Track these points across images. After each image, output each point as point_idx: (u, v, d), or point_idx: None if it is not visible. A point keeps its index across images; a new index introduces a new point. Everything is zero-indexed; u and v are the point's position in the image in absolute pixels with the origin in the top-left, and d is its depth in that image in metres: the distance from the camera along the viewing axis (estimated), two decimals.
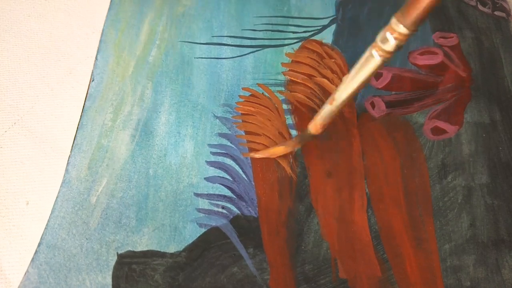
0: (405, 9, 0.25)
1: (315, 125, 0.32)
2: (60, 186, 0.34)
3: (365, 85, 0.29)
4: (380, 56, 0.27)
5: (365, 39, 0.42)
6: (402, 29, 0.25)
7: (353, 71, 0.28)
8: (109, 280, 0.31)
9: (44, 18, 0.44)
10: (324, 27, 0.43)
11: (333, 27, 0.43)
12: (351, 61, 0.41)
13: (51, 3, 0.44)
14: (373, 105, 0.38)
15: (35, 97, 0.39)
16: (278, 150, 0.35)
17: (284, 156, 0.36)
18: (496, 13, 0.44)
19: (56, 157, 0.36)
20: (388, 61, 0.27)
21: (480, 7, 0.44)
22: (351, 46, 0.42)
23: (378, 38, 0.26)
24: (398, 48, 0.26)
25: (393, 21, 0.26)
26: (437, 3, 0.24)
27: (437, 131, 0.37)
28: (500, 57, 0.41)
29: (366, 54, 0.27)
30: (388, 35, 0.26)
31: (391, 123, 0.37)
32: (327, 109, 0.30)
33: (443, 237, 0.33)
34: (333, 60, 0.40)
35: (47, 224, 0.33)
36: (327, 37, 0.42)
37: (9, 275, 0.32)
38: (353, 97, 0.38)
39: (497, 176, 0.35)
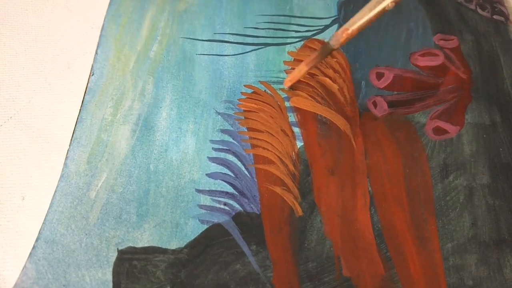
0: None
1: (343, 34, 0.33)
2: (59, 181, 0.34)
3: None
4: None
5: (366, 40, 0.42)
6: None
7: None
8: (109, 276, 0.30)
9: (42, 12, 0.43)
10: (326, 27, 0.43)
11: (335, 27, 0.43)
12: (352, 61, 0.41)
13: None
14: (375, 104, 0.38)
15: (32, 92, 0.38)
16: (301, 71, 0.37)
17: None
18: (495, 17, 0.44)
19: (53, 152, 0.35)
20: None
21: (479, 11, 0.45)
22: (353, 46, 0.42)
23: None
24: None
25: None
26: None
27: (438, 131, 0.37)
28: (500, 60, 0.41)
29: None
30: None
31: (393, 123, 0.37)
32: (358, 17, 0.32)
33: (445, 236, 0.33)
34: (335, 59, 0.41)
35: (45, 219, 0.32)
36: (329, 36, 0.42)
37: (3, 272, 0.31)
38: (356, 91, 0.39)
39: (498, 177, 0.35)
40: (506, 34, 0.43)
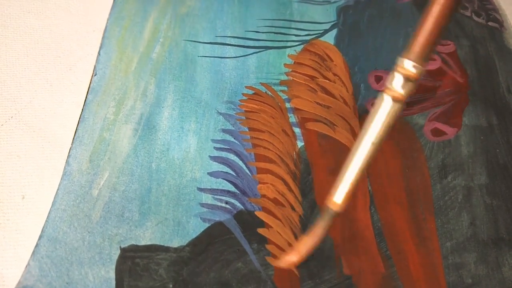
0: (409, 45, 0.24)
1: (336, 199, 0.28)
2: (61, 179, 0.34)
3: (382, 140, 0.26)
4: (392, 97, 0.25)
5: (365, 44, 0.43)
6: (410, 65, 0.24)
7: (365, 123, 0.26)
8: (112, 274, 0.30)
9: (44, 15, 0.44)
10: (326, 31, 0.43)
11: (334, 31, 0.44)
12: (351, 65, 0.41)
13: (52, 0, 0.44)
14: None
15: (34, 92, 0.39)
16: (307, 244, 0.30)
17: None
18: (489, 23, 0.45)
19: (54, 152, 0.35)
20: (402, 106, 0.25)
21: (474, 17, 0.46)
22: (352, 50, 0.42)
23: (388, 80, 0.25)
24: (410, 87, 0.24)
25: (400, 59, 0.24)
26: (440, 33, 0.23)
27: (437, 132, 0.38)
28: (495, 64, 0.42)
29: (377, 101, 0.25)
30: (397, 74, 0.24)
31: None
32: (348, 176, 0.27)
33: (444, 235, 0.33)
34: (334, 63, 0.41)
35: (47, 217, 0.32)
36: (328, 41, 0.43)
37: (3, 270, 0.31)
38: (355, 98, 0.39)
39: (496, 177, 0.36)
40: (501, 40, 0.44)
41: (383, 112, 0.25)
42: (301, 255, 0.30)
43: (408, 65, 0.24)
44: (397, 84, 0.25)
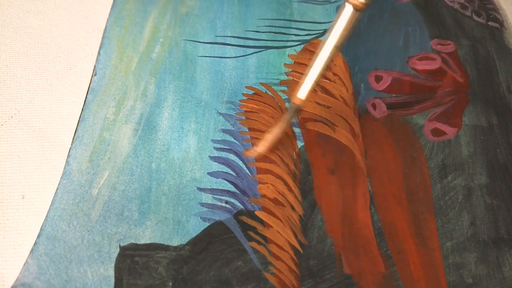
0: None
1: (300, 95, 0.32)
2: (61, 178, 0.34)
3: (342, 43, 0.30)
4: (353, 5, 0.28)
5: (365, 44, 0.43)
6: None
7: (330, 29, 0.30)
8: (111, 272, 0.30)
9: (44, 15, 0.44)
10: (326, 31, 0.43)
11: None
12: (351, 65, 0.41)
13: (51, 0, 0.44)
14: (374, 106, 0.39)
15: (34, 92, 0.39)
16: (273, 134, 0.35)
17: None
18: (490, 23, 0.45)
19: (54, 152, 0.35)
20: (361, 14, 0.29)
21: (475, 17, 0.46)
22: (352, 50, 0.42)
23: None
24: None
25: None
26: None
27: (437, 132, 0.38)
28: (495, 64, 0.42)
29: (340, 9, 0.29)
30: None
31: (392, 124, 0.38)
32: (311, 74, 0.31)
33: (444, 235, 0.33)
34: (335, 63, 0.41)
35: (46, 216, 0.32)
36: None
37: (3, 270, 0.30)
38: (353, 94, 0.40)
39: (496, 177, 0.36)
40: (501, 40, 0.44)
41: (344, 19, 0.29)
42: (268, 143, 0.35)
43: None
44: None
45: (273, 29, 0.43)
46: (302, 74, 0.40)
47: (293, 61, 0.41)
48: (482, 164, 0.37)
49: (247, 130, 0.37)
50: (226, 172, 0.35)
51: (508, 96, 0.41)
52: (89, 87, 0.38)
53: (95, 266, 0.30)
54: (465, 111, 0.39)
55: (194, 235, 0.32)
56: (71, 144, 0.35)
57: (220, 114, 0.38)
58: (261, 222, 0.33)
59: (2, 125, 0.37)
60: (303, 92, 0.32)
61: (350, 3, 0.29)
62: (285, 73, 0.40)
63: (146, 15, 0.43)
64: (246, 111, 0.38)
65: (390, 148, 0.37)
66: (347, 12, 0.29)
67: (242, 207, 0.34)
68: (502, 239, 0.33)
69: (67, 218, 0.32)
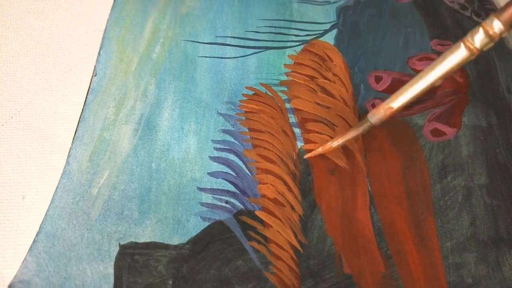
0: (504, 7, 0.26)
1: (386, 113, 0.32)
2: (60, 178, 0.34)
3: (443, 78, 0.30)
4: (467, 49, 0.27)
5: (365, 44, 0.43)
6: (497, 25, 0.26)
7: (435, 62, 0.29)
8: (111, 270, 0.30)
9: (44, 15, 0.44)
10: (326, 32, 0.44)
11: (334, 31, 0.44)
12: (351, 65, 0.42)
13: (52, 1, 0.44)
14: (374, 106, 0.39)
15: (34, 92, 0.39)
16: (336, 143, 0.35)
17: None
18: None
19: (54, 152, 0.35)
20: (473, 57, 0.28)
21: (474, 17, 0.46)
22: (352, 50, 0.43)
23: (469, 33, 0.27)
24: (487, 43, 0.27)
25: (490, 17, 0.26)
26: None
27: (436, 133, 0.38)
28: (495, 65, 0.42)
29: (453, 46, 0.28)
30: (481, 30, 0.26)
31: (392, 124, 0.38)
32: (403, 94, 0.31)
33: (444, 235, 0.33)
34: (334, 63, 0.41)
35: (46, 214, 0.32)
36: (328, 41, 0.43)
37: (3, 270, 0.30)
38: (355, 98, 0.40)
39: (495, 177, 0.36)
40: (501, 40, 0.44)
41: (454, 57, 0.29)
42: (338, 144, 0.35)
43: (496, 25, 0.26)
44: (477, 38, 0.27)
45: (273, 30, 0.43)
46: (301, 74, 0.40)
47: (293, 61, 0.41)
48: (481, 165, 0.37)
49: (247, 131, 0.37)
50: (226, 172, 0.35)
51: (507, 97, 0.41)
52: (89, 88, 0.38)
53: (94, 264, 0.30)
54: (465, 111, 0.39)
55: (194, 234, 0.32)
56: (71, 144, 0.35)
57: (220, 114, 0.38)
58: (261, 222, 0.33)
59: (2, 125, 0.37)
60: (398, 103, 0.31)
61: (465, 43, 0.28)
62: (285, 73, 0.41)
63: (146, 15, 0.43)
64: (246, 112, 0.38)
65: (390, 148, 0.37)
66: (460, 52, 0.28)
67: (242, 207, 0.34)
68: (501, 239, 0.33)
69: (66, 216, 0.32)
